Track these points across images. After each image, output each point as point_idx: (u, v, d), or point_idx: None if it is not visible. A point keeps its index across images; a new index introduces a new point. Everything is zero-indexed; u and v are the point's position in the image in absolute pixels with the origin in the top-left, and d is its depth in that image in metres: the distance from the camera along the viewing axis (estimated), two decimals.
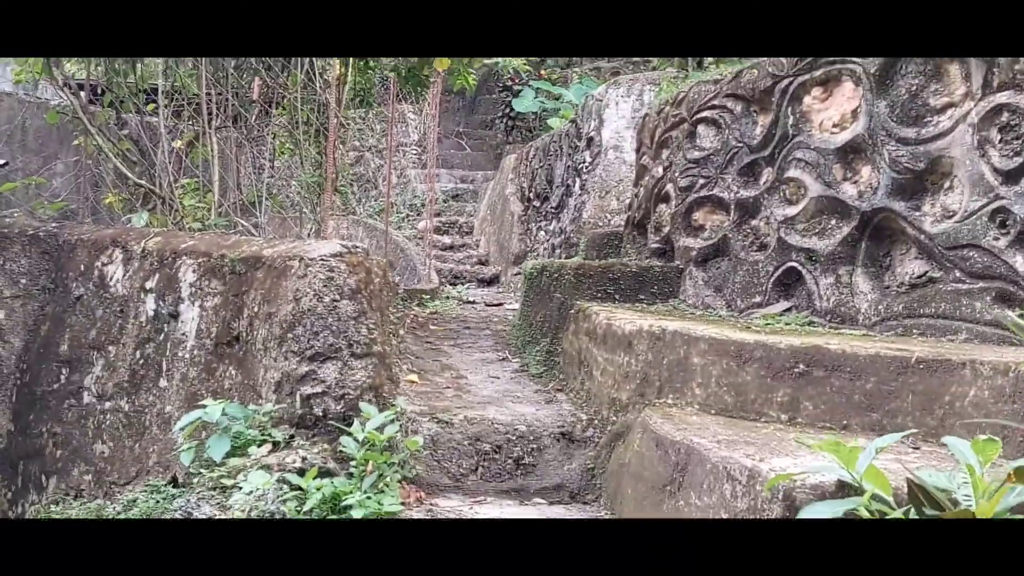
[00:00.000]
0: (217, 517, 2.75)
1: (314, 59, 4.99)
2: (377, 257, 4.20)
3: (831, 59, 3.72)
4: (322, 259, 3.38)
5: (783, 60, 3.97)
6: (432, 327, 5.64)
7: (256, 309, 3.57)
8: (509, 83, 13.63)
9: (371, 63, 6.39)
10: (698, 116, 4.53)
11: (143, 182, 4.66)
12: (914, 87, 3.42)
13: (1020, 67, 3.09)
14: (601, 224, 7.18)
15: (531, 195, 9.80)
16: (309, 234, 5.07)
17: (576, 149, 7.88)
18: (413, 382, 3.93)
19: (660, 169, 4.92)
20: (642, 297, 4.36)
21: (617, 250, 5.90)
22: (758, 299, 3.97)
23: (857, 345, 2.80)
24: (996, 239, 3.07)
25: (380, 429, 2.92)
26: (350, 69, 6.09)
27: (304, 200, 5.01)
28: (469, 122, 15.51)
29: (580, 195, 7.58)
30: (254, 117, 5.22)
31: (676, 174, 4.65)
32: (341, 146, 10.80)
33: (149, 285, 4.04)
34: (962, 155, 3.23)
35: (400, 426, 3.07)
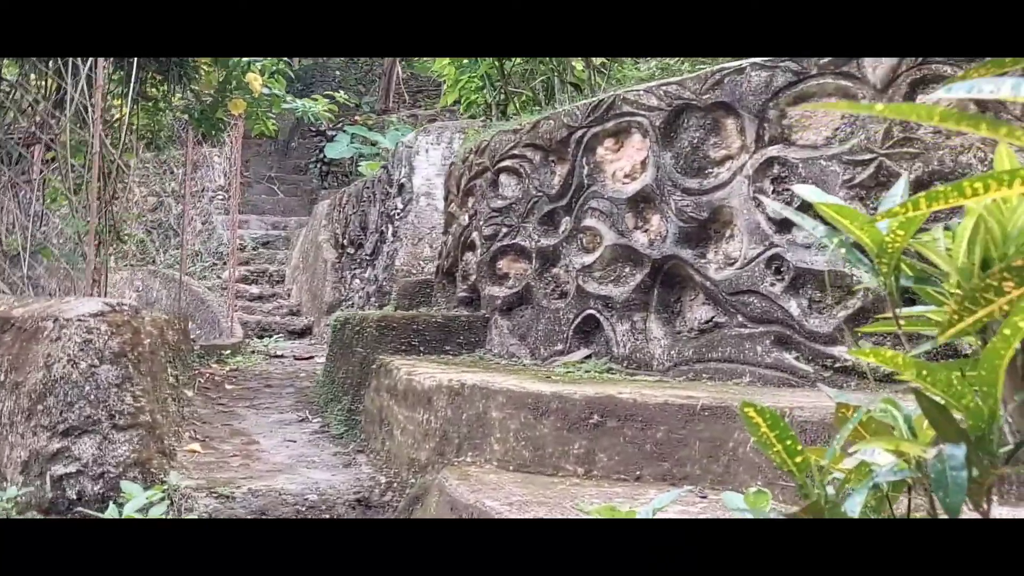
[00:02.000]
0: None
1: (90, 98, 4.54)
2: (155, 314, 3.82)
3: (620, 111, 3.81)
4: (79, 319, 3.01)
5: (577, 111, 4.04)
6: (229, 386, 5.23)
7: (1, 378, 3.11)
8: (323, 128, 13.35)
9: (160, 104, 5.97)
10: (500, 165, 4.53)
11: None
12: (696, 140, 3.56)
13: (787, 123, 3.28)
14: (414, 272, 7.05)
15: (345, 242, 9.53)
16: (85, 290, 4.57)
17: (388, 196, 7.74)
18: (195, 451, 3.57)
19: (466, 217, 4.86)
20: (448, 348, 4.24)
21: (429, 299, 5.78)
22: (560, 347, 3.96)
23: (648, 394, 2.80)
24: (773, 285, 3.22)
25: (144, 511, 2.59)
26: (136, 110, 5.65)
27: (75, 252, 4.51)
28: (282, 166, 15.01)
29: (393, 242, 7.43)
30: (15, 159, 4.68)
31: (481, 222, 4.61)
32: (132, 191, 10.06)
33: None
34: (740, 205, 3.37)
35: (170, 505, 2.74)
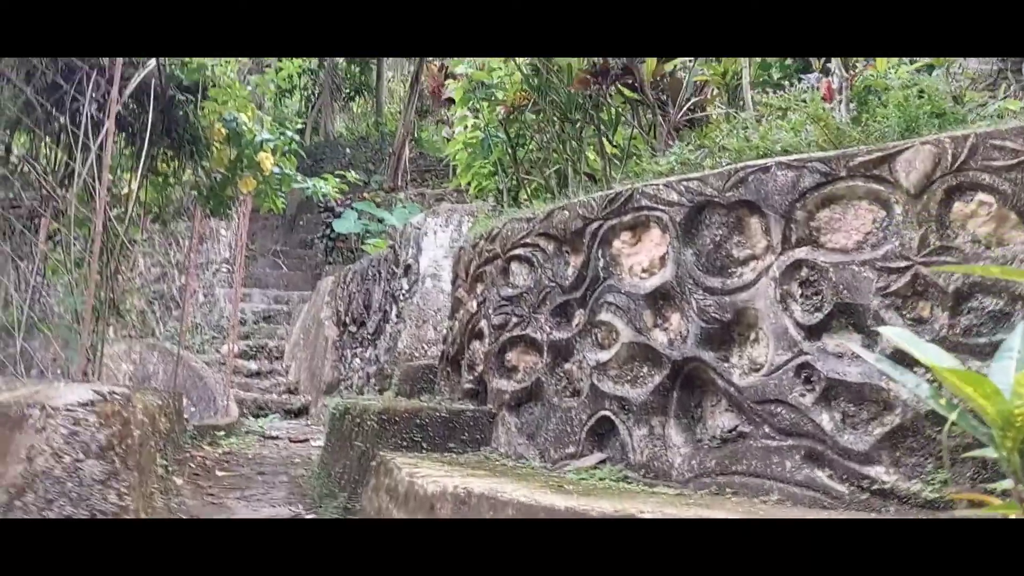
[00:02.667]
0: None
1: (99, 171, 4.46)
2: (148, 398, 3.64)
3: (639, 205, 3.71)
4: (67, 409, 2.83)
5: (593, 203, 3.94)
6: (220, 473, 5.00)
7: None
8: (331, 203, 13.37)
9: (170, 180, 5.91)
10: (512, 253, 4.41)
11: None
12: (718, 237, 3.44)
13: (815, 224, 3.16)
14: (417, 355, 6.88)
15: (347, 319, 9.39)
16: (77, 371, 4.40)
17: (394, 275, 7.63)
18: None
19: (475, 304, 4.72)
20: (452, 445, 4.04)
21: (432, 385, 5.60)
22: (572, 449, 3.75)
23: (671, 514, 2.59)
24: (802, 395, 3.04)
25: None
26: (145, 185, 5.59)
27: (72, 329, 4.36)
28: (288, 240, 15.01)
29: (396, 323, 7.28)
30: (17, 232, 4.57)
31: (490, 310, 4.47)
32: (137, 262, 9.97)
33: None
34: (766, 308, 3.23)
35: None
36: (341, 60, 19.58)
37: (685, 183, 3.55)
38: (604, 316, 3.77)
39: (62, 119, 4.43)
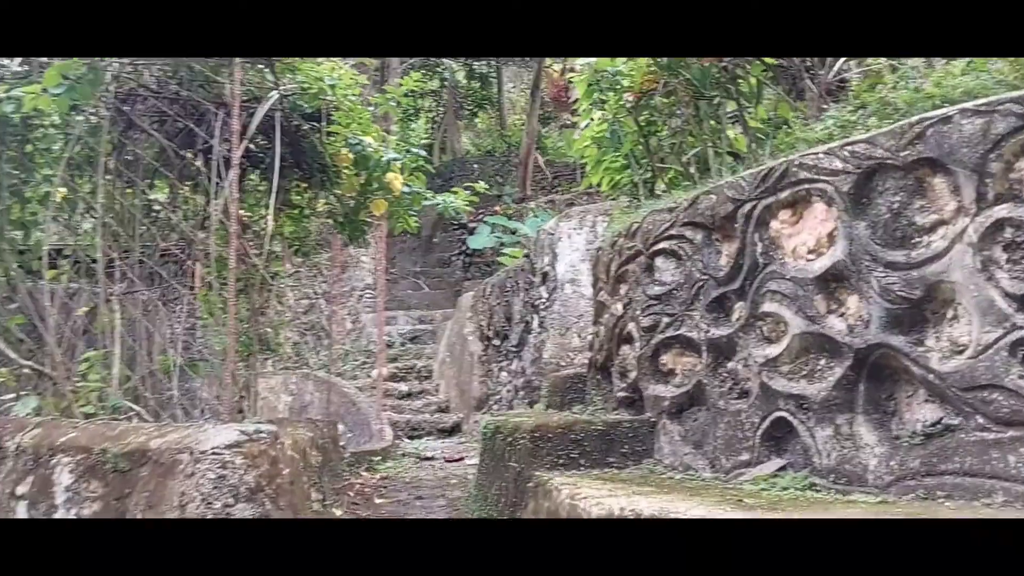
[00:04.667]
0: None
1: (225, 211, 4.50)
2: (299, 432, 3.57)
3: (796, 179, 3.31)
4: (214, 452, 2.76)
5: (743, 182, 3.56)
6: (379, 500, 4.94)
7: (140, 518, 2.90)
8: (463, 219, 13.45)
9: (305, 211, 5.97)
10: (655, 248, 4.08)
11: (29, 362, 4.04)
12: (896, 204, 2.99)
13: (1016, 175, 2.68)
14: (563, 364, 6.64)
15: (490, 334, 9.29)
16: (228, 409, 4.44)
17: (532, 285, 7.45)
18: None
19: (619, 306, 4.43)
20: (611, 459, 3.75)
21: (582, 394, 5.34)
22: (746, 456, 3.38)
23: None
24: (1022, 377, 2.56)
25: None
26: (281, 219, 5.66)
27: (223, 368, 4.40)
28: (426, 261, 15.21)
29: (539, 333, 7.08)
30: (165, 278, 4.69)
31: (637, 312, 4.16)
32: (286, 295, 10.30)
33: (20, 491, 3.36)
34: (964, 279, 2.76)
35: None
36: (461, 77, 19.79)
37: (849, 148, 3.13)
38: (768, 306, 3.39)
39: (196, 162, 4.52)
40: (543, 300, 7.06)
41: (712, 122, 4.53)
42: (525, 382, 7.22)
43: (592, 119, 5.50)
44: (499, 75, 19.51)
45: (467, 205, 5.51)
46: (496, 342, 9.12)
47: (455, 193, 5.95)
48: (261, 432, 2.93)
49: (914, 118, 2.96)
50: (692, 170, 4.78)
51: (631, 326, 4.21)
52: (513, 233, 12.99)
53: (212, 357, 5.23)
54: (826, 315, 3.18)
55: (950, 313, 2.83)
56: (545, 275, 7.07)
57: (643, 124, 5.09)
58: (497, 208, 14.51)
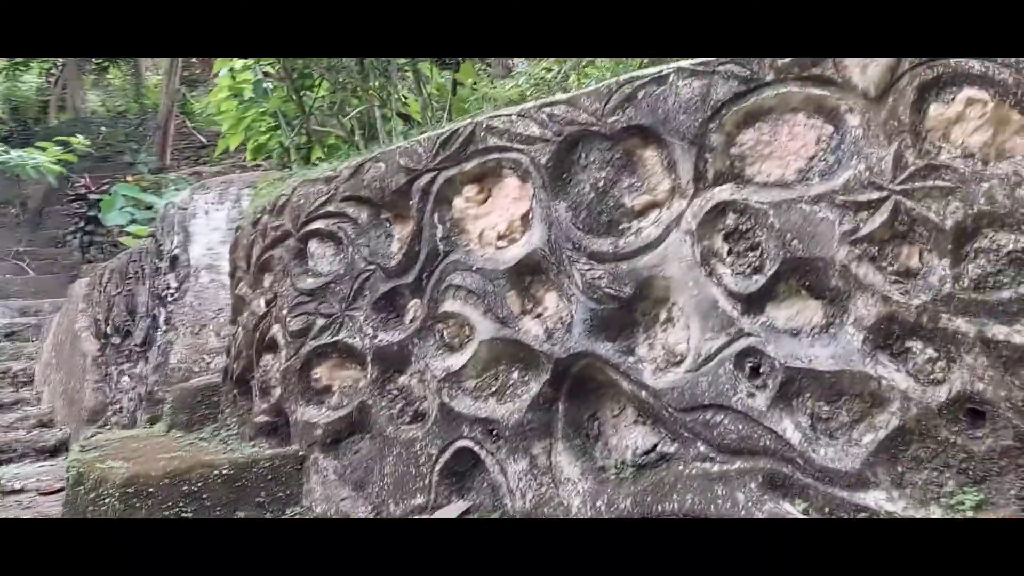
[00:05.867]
0: None
1: None
2: None
3: (485, 146, 2.64)
4: None
5: (420, 148, 2.82)
6: None
7: None
8: (83, 191, 11.30)
9: None
10: (308, 228, 3.20)
11: None
12: (602, 182, 2.44)
13: (738, 151, 2.24)
14: (197, 369, 5.44)
15: (109, 330, 7.65)
16: None
17: (159, 271, 6.09)
18: None
19: (262, 302, 3.47)
20: (244, 511, 2.79)
21: (218, 411, 4.27)
22: (421, 499, 2.64)
23: None
24: (751, 395, 2.12)
25: None
26: None
27: None
28: (34, 239, 12.64)
29: (166, 332, 5.77)
30: None
31: (284, 311, 3.24)
32: None
33: None
34: (681, 274, 2.28)
35: None
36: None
37: (548, 110, 2.52)
38: (450, 305, 2.68)
39: None
40: (171, 291, 5.76)
41: (380, 78, 3.72)
42: (146, 394, 5.87)
43: (232, 67, 4.41)
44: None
45: (56, 164, 4.12)
46: (116, 340, 7.52)
47: (43, 149, 4.47)
48: None
49: (623, 76, 2.43)
50: (357, 136, 3.94)
51: (276, 329, 3.27)
52: (149, 208, 11.20)
53: None
54: (520, 317, 2.55)
55: (664, 315, 2.34)
56: (175, 259, 5.76)
57: (296, 77, 4.14)
58: (129, 177, 12.51)
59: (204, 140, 14.47)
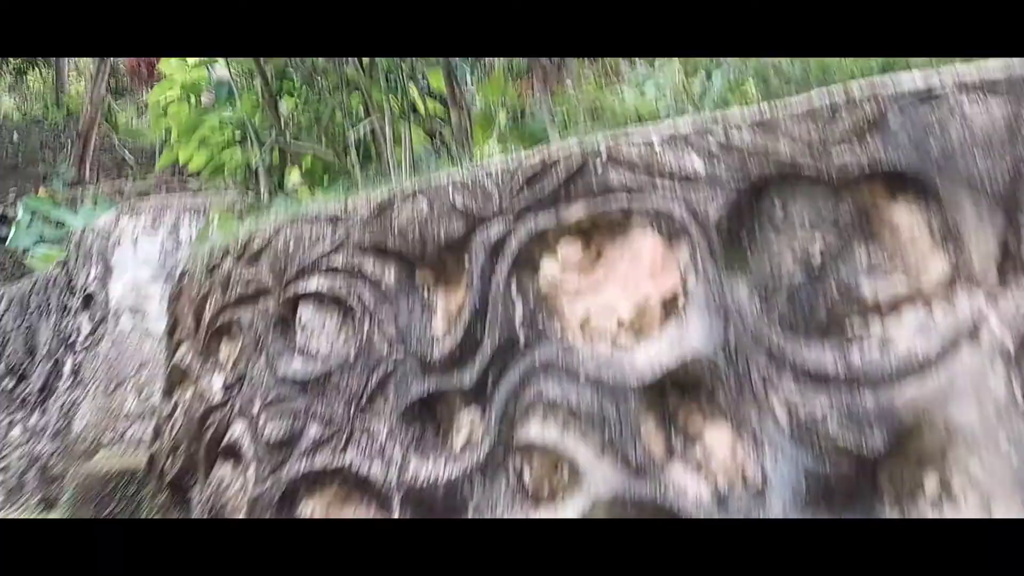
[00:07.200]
0: None
1: None
2: None
3: (605, 188, 1.69)
4: None
5: (488, 185, 1.85)
6: None
7: None
8: None
9: None
10: (299, 287, 2.19)
11: None
12: (817, 255, 1.53)
13: None
14: (108, 441, 4.25)
15: (1, 370, 6.40)
16: None
17: (68, 310, 4.89)
18: None
19: (217, 385, 2.42)
20: None
21: (140, 506, 3.17)
22: None
23: None
24: None
25: None
26: None
27: None
28: None
29: (72, 387, 4.56)
30: None
31: (255, 406, 2.20)
32: None
33: None
34: (979, 419, 1.37)
35: None
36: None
37: (720, 133, 1.61)
38: (538, 431, 1.67)
39: None
40: (82, 336, 4.57)
41: (397, 81, 2.73)
42: (43, 464, 4.63)
43: (186, 59, 3.37)
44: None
45: None
46: (9, 383, 6.27)
47: None
48: None
49: (857, 82, 1.53)
50: (352, 158, 2.94)
51: (239, 430, 2.22)
52: (61, 226, 9.91)
53: None
54: (666, 463, 1.58)
55: (933, 486, 1.42)
56: (90, 297, 4.58)
57: (274, 75, 3.14)
58: (41, 191, 11.20)
59: (128, 156, 13.21)
